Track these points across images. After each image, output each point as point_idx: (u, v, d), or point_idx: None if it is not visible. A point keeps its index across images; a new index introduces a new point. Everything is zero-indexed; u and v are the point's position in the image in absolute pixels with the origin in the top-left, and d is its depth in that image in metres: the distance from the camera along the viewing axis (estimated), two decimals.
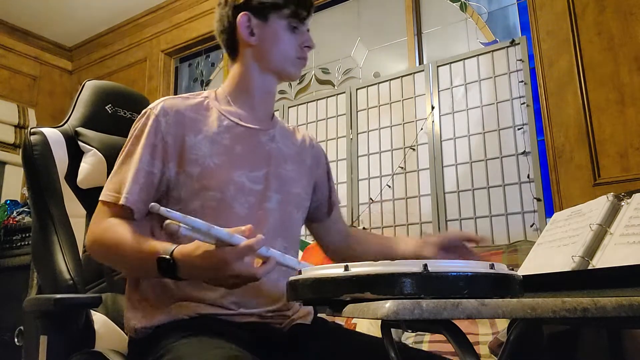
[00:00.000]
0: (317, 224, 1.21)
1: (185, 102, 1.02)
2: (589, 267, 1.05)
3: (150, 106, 0.99)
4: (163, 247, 0.84)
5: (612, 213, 1.14)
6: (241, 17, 1.02)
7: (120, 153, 0.98)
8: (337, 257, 1.22)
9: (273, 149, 1.05)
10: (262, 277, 0.81)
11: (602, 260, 1.04)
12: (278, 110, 3.22)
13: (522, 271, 1.13)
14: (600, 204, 1.17)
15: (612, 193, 1.18)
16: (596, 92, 2.18)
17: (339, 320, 1.77)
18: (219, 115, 1.02)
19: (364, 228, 2.71)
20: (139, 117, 1.00)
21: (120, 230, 0.89)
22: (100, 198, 0.95)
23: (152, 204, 0.77)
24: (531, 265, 1.17)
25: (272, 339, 0.96)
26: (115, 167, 0.97)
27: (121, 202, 0.91)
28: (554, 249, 1.14)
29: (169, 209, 0.77)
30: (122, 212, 0.93)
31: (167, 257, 0.82)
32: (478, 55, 2.60)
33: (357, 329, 1.91)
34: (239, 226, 0.80)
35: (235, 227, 0.80)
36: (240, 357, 0.78)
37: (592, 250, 1.08)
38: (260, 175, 1.00)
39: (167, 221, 0.76)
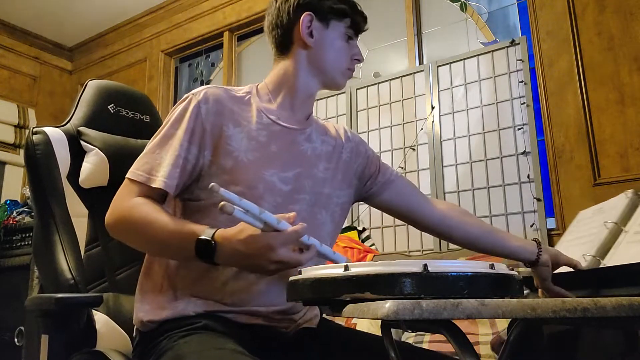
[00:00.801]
0: (382, 203, 1.16)
1: (228, 93, 1.01)
2: (600, 266, 1.04)
3: (192, 91, 0.99)
4: (202, 229, 0.84)
5: (630, 211, 1.11)
6: (305, 16, 1.01)
7: (155, 134, 0.97)
8: (434, 233, 1.19)
9: (308, 149, 1.04)
10: (306, 263, 0.81)
11: (614, 258, 1.02)
12: None
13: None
14: (620, 202, 1.15)
15: (631, 190, 1.16)
16: (596, 92, 2.19)
17: (339, 320, 1.77)
18: (258, 112, 1.01)
19: (363, 228, 2.71)
20: (179, 101, 0.99)
21: (149, 210, 0.88)
22: (127, 176, 0.93)
23: (213, 184, 0.77)
24: None
25: (275, 342, 0.95)
26: (148, 147, 0.96)
27: (158, 185, 0.90)
28: (572, 248, 1.12)
29: (227, 191, 0.77)
30: (151, 192, 0.92)
31: (208, 238, 0.82)
32: (478, 55, 2.60)
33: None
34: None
35: (281, 214, 0.81)
36: (239, 359, 0.78)
37: (606, 248, 1.06)
38: (291, 176, 0.99)
39: (223, 202, 0.76)
